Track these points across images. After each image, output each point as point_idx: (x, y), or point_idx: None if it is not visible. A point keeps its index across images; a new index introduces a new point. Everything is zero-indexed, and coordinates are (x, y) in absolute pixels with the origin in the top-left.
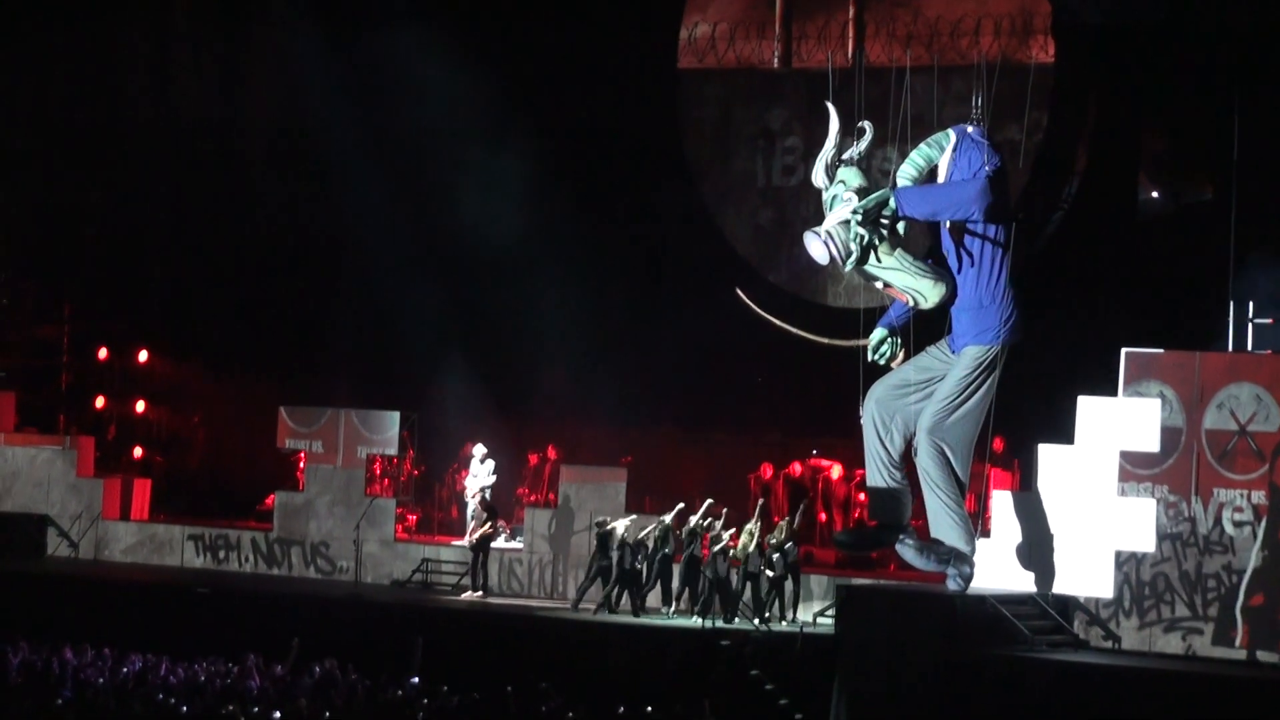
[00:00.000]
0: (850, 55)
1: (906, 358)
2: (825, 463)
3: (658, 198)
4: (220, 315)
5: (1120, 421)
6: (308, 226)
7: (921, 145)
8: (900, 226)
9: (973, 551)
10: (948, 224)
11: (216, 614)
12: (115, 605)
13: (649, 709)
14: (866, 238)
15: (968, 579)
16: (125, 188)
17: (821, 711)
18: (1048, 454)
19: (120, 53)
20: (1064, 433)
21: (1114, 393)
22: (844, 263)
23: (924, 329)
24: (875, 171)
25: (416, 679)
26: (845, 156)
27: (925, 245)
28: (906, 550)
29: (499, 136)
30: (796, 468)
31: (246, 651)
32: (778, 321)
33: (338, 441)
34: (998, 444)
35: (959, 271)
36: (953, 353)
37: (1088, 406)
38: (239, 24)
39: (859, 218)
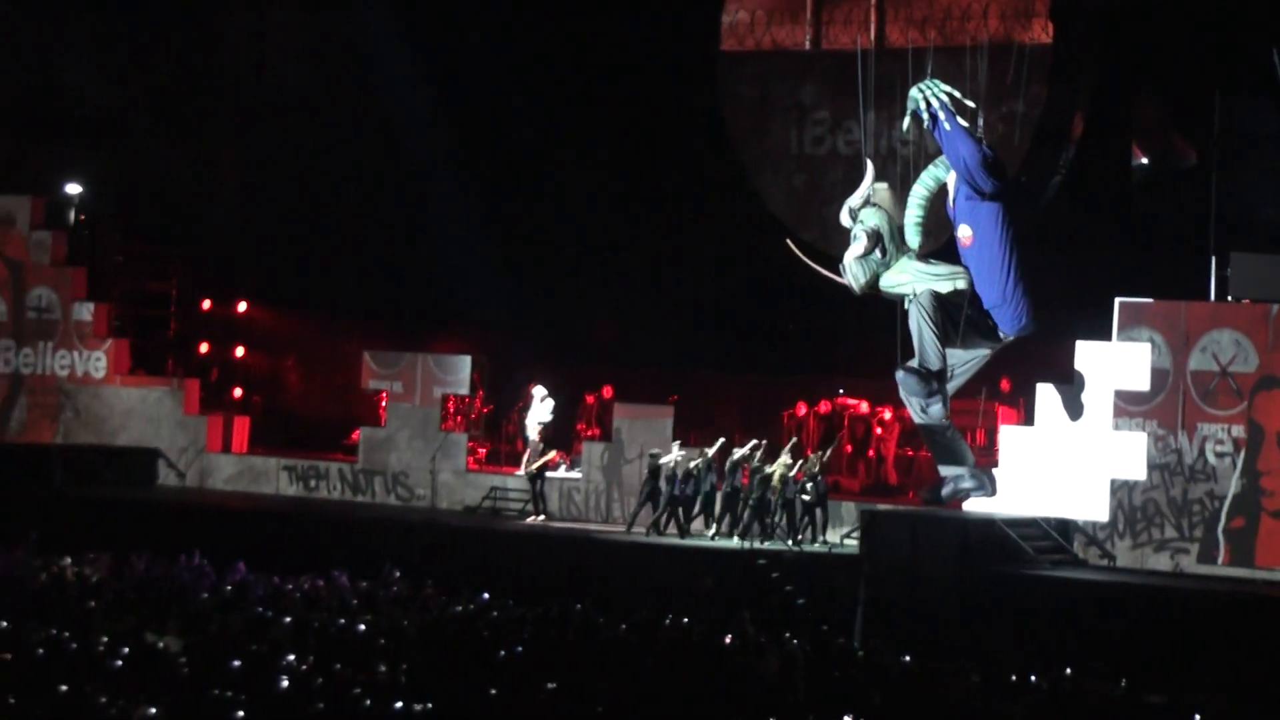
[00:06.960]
0: (873, 37)
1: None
2: (851, 400)
3: (703, 168)
4: (311, 269)
5: (1114, 363)
6: (387, 191)
7: (929, 166)
8: (912, 237)
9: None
10: (960, 233)
11: (308, 537)
12: (217, 528)
13: (690, 620)
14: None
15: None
16: (222, 156)
17: (846, 621)
18: (1049, 393)
19: (220, 23)
20: (1064, 374)
21: (1108, 337)
22: (857, 289)
23: None
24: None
25: (486, 595)
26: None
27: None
28: (972, 491)
29: (558, 118)
30: (825, 405)
31: (334, 569)
32: (822, 270)
33: (416, 382)
34: (1005, 384)
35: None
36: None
37: (1085, 350)
38: None
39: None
